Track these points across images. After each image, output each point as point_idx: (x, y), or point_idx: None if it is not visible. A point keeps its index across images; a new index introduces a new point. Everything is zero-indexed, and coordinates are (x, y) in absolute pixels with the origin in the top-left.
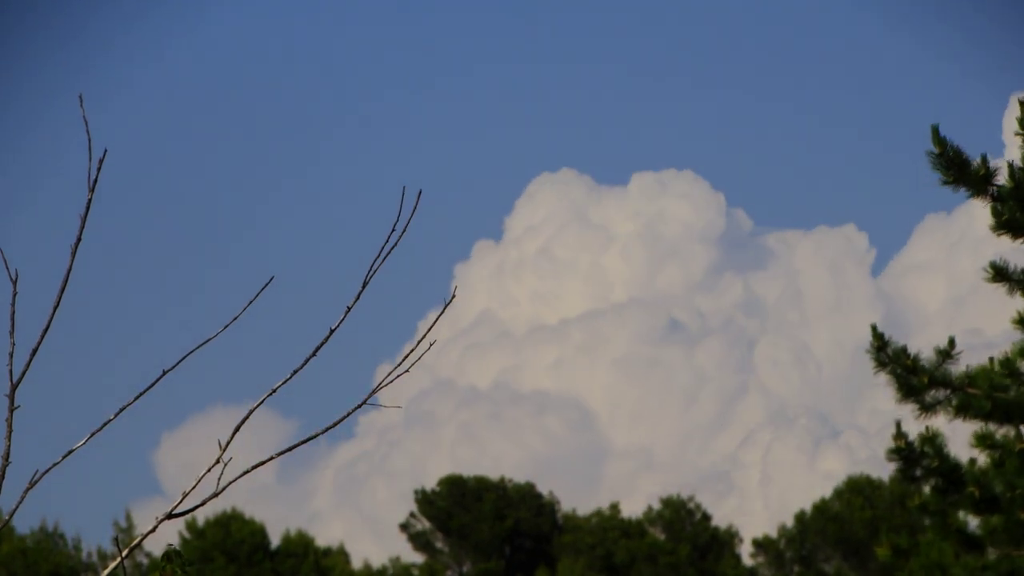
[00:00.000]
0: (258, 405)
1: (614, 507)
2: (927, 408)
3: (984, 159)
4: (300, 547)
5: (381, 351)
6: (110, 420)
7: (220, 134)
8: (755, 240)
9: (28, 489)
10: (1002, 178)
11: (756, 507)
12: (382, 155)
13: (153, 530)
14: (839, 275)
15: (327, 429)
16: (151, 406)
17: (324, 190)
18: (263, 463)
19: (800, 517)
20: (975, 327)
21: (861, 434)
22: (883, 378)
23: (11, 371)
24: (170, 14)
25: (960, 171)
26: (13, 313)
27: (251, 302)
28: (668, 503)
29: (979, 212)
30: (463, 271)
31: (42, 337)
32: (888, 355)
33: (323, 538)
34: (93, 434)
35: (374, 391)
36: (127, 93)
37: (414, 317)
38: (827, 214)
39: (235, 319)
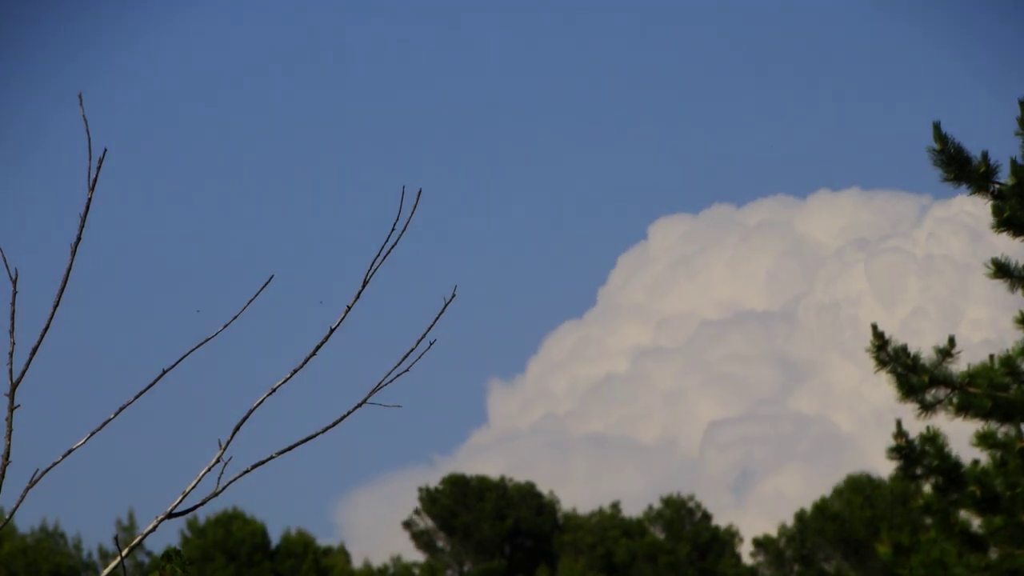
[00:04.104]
0: (258, 404)
1: (615, 506)
2: (928, 407)
3: (985, 156)
4: (300, 547)
5: (497, 363)
6: (110, 419)
7: (225, 134)
8: None
9: (28, 488)
10: (1003, 175)
11: None
12: (395, 154)
13: (153, 529)
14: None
15: (326, 429)
16: (338, 455)
17: (325, 189)
18: (263, 462)
19: (800, 516)
20: None
21: None
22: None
23: (11, 371)
24: (170, 13)
25: (961, 168)
26: (13, 313)
27: (251, 301)
28: (668, 502)
29: None
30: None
31: (42, 337)
32: (888, 354)
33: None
34: (93, 433)
35: (374, 390)
36: (127, 92)
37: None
38: None
39: (235, 318)
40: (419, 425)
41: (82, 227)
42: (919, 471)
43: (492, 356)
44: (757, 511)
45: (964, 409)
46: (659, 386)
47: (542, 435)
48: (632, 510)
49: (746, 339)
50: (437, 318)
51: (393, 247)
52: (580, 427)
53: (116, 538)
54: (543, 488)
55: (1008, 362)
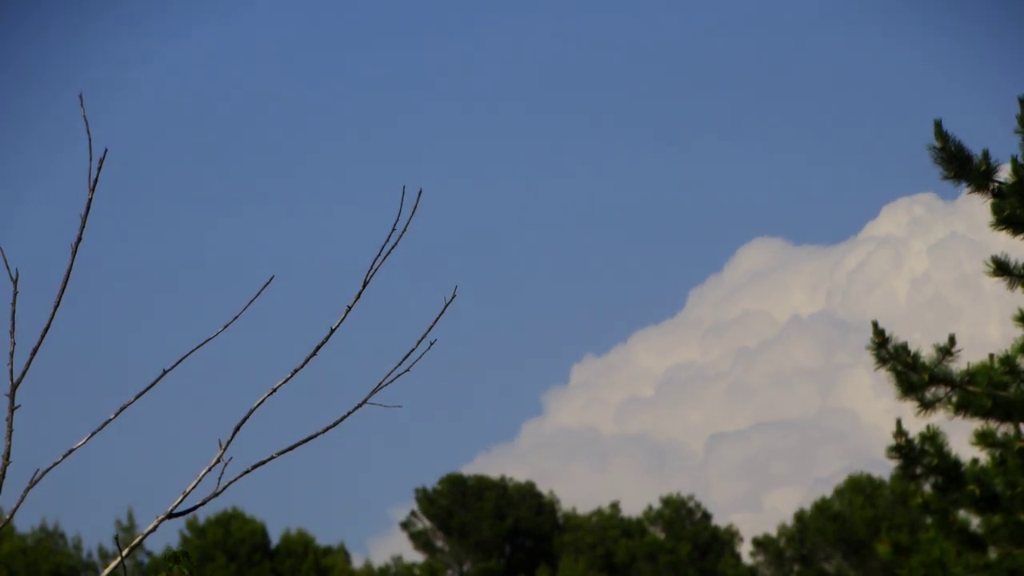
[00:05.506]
0: (258, 405)
1: (614, 506)
2: (927, 405)
3: (985, 154)
4: (300, 546)
5: (551, 372)
6: (110, 420)
7: (224, 133)
8: None
9: (28, 488)
10: (1004, 174)
11: None
12: (395, 155)
13: (153, 529)
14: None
15: (327, 429)
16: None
17: (325, 190)
18: (263, 463)
19: (800, 516)
20: None
21: None
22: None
23: (11, 371)
24: (170, 12)
25: (961, 166)
26: (13, 313)
27: (251, 301)
28: (668, 502)
29: None
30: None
31: (42, 337)
32: (888, 352)
33: None
34: (93, 434)
35: (374, 391)
36: (127, 92)
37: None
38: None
39: (236, 318)
40: (468, 430)
41: (82, 227)
42: (919, 470)
43: (543, 363)
44: (759, 511)
45: (963, 408)
46: (699, 398)
47: (580, 444)
48: (631, 510)
49: (788, 349)
50: (437, 319)
51: (393, 248)
52: (620, 435)
53: (116, 538)
54: (543, 488)
55: (1007, 361)
